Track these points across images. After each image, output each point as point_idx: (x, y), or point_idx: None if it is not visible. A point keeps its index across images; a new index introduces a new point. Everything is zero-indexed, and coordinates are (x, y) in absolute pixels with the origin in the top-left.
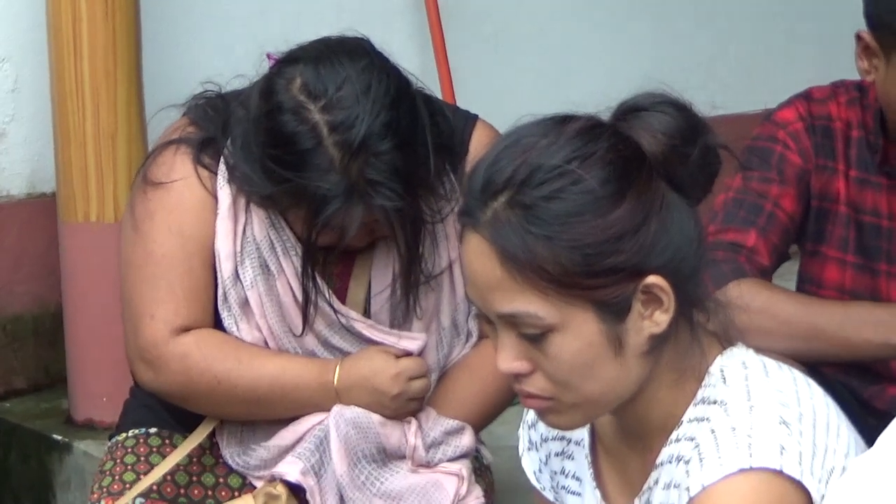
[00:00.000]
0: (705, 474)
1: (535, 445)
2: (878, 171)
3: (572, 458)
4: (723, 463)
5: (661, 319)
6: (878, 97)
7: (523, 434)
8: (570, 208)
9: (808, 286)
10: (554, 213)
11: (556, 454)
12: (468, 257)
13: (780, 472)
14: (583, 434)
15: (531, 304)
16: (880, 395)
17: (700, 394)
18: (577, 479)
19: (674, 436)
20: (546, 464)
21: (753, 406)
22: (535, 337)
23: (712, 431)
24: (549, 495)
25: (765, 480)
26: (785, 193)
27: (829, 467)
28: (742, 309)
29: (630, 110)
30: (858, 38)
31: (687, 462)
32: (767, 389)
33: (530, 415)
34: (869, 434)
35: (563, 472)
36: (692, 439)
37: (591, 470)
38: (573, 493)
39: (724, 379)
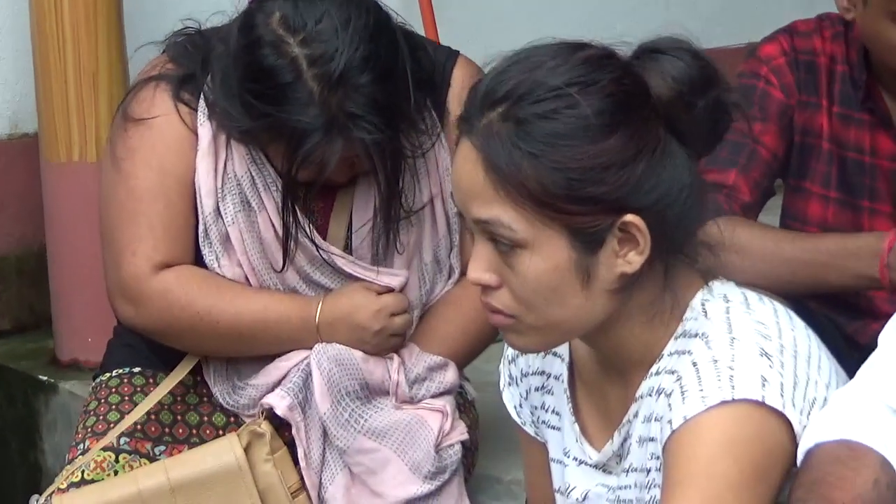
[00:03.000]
0: (687, 406)
1: (515, 380)
2: (861, 108)
3: (552, 393)
4: (705, 395)
5: (634, 260)
6: (860, 36)
7: (503, 369)
8: (561, 130)
9: (791, 222)
10: (544, 132)
11: (536, 389)
12: (458, 162)
13: (761, 403)
14: (562, 369)
15: (506, 214)
16: (863, 331)
17: (681, 328)
18: (557, 413)
19: (654, 369)
20: (526, 399)
21: (735, 338)
22: (506, 249)
23: (694, 364)
24: (530, 430)
25: (746, 411)
26: (767, 130)
27: (811, 398)
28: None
29: (647, 51)
30: None
31: (668, 395)
32: (748, 322)
33: (510, 350)
34: (852, 368)
35: (543, 406)
36: (673, 372)
37: (570, 404)
38: (553, 427)
39: (706, 312)
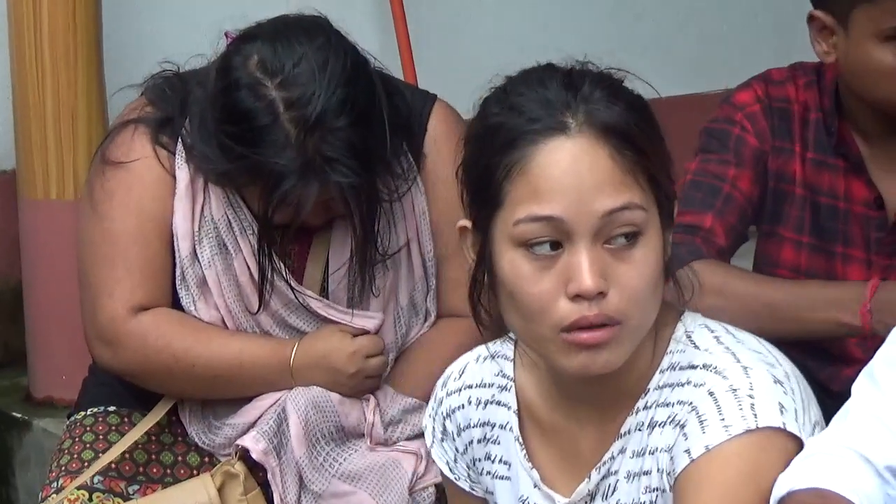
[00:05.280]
0: (709, 436)
1: (450, 435)
2: (834, 154)
3: (498, 443)
4: (727, 424)
5: (669, 243)
6: (844, 75)
7: (435, 426)
8: (640, 98)
9: (764, 267)
10: (637, 103)
11: (479, 441)
12: (566, 161)
13: (782, 430)
14: (509, 417)
15: (637, 196)
16: (836, 377)
17: (667, 360)
18: (506, 463)
19: (640, 404)
20: (464, 453)
21: (747, 367)
22: (622, 243)
23: (710, 393)
24: (464, 485)
25: (769, 438)
26: (742, 175)
27: (813, 420)
28: (698, 288)
29: None
30: (811, 18)
31: (682, 425)
32: (749, 351)
33: (444, 406)
34: (826, 414)
35: (488, 457)
36: (681, 403)
37: (525, 452)
38: (501, 477)
39: (695, 344)
